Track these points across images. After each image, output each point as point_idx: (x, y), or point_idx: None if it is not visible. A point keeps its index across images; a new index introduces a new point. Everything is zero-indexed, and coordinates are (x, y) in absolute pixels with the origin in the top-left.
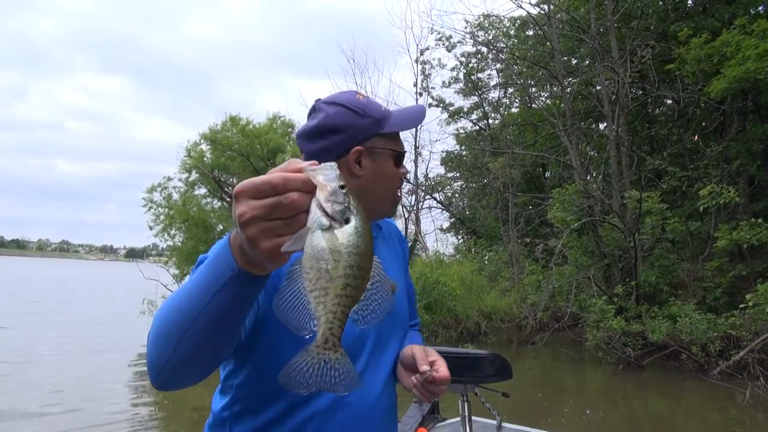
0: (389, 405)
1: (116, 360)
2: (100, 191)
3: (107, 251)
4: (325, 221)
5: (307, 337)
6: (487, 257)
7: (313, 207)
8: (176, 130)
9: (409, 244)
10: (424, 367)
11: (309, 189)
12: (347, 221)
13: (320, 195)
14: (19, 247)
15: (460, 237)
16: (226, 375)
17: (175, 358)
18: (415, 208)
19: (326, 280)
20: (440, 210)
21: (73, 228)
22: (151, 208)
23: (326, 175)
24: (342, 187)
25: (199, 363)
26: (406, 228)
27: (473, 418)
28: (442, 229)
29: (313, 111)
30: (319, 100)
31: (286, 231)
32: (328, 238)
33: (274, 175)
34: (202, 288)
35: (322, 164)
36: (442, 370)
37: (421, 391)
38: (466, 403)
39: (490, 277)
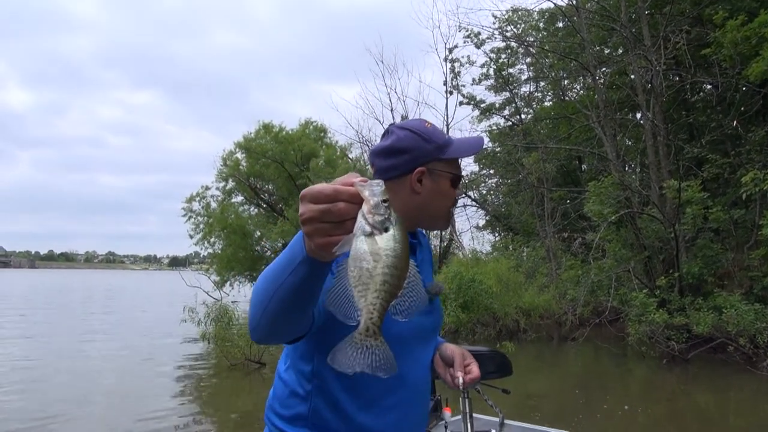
0: (429, 387)
1: (160, 366)
2: (141, 203)
3: (151, 261)
4: (368, 229)
5: (353, 324)
6: (525, 253)
7: (359, 216)
8: (211, 139)
9: (444, 244)
10: (459, 374)
11: (357, 201)
12: (386, 230)
13: (365, 207)
14: (67, 259)
15: (496, 234)
16: (310, 351)
17: (264, 321)
18: None
19: (367, 277)
20: (475, 208)
21: (118, 239)
22: (190, 217)
23: (371, 191)
24: (385, 201)
25: (282, 326)
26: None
27: (477, 415)
28: (477, 227)
29: (386, 134)
30: (392, 124)
31: (335, 232)
32: (369, 242)
33: (329, 185)
34: (281, 267)
35: (371, 181)
36: (474, 371)
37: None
38: (467, 400)
39: (528, 273)
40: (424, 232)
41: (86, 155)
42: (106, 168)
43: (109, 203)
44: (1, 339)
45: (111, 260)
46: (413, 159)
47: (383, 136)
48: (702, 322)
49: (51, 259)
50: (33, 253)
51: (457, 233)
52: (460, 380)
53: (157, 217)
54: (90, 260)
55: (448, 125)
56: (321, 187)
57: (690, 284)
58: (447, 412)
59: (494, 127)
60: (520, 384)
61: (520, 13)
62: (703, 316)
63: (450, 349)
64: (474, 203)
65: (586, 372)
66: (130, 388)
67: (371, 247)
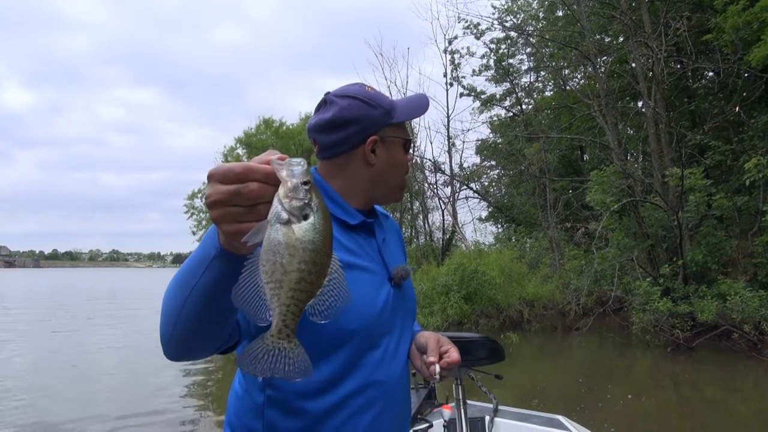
0: (407, 381)
1: (166, 362)
2: (144, 200)
3: (155, 258)
4: (284, 216)
5: (263, 325)
6: (527, 244)
7: (275, 201)
8: (212, 136)
9: (447, 236)
10: (432, 359)
11: (272, 181)
12: (306, 218)
13: (281, 190)
14: (72, 258)
15: (499, 226)
16: None
17: (178, 331)
18: (451, 199)
19: (281, 273)
20: (478, 200)
21: (122, 238)
22: (192, 214)
23: (290, 171)
24: (306, 183)
25: (200, 336)
26: (443, 219)
27: (471, 402)
28: (480, 219)
29: (324, 104)
30: (329, 93)
31: (246, 218)
32: (285, 232)
33: (239, 163)
34: (195, 265)
35: (290, 159)
36: (453, 356)
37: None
38: (460, 387)
39: (531, 264)
40: (387, 212)
41: (88, 154)
42: (108, 167)
43: (112, 202)
44: (6, 339)
45: (115, 258)
46: (363, 129)
47: (320, 107)
48: (706, 310)
49: (55, 259)
50: (37, 252)
51: (460, 225)
52: (437, 368)
53: (160, 215)
54: (94, 259)
55: (449, 117)
56: (231, 165)
57: (694, 272)
58: (446, 411)
59: (495, 118)
60: (524, 374)
61: (519, 2)
62: (707, 303)
63: (425, 336)
64: (476, 195)
65: (590, 361)
66: (136, 384)
67: (287, 238)
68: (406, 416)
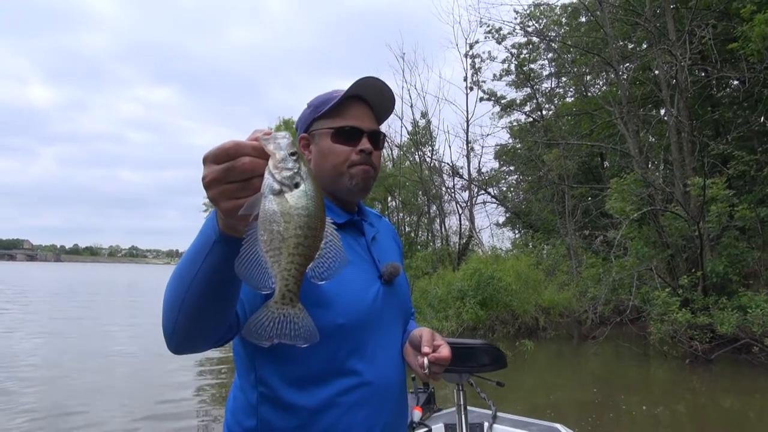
0: (401, 380)
1: (181, 359)
2: (162, 198)
3: (173, 255)
4: (276, 186)
5: (266, 293)
6: (545, 251)
7: (266, 174)
8: (229, 135)
9: (463, 241)
10: (426, 349)
11: (262, 155)
12: (297, 186)
13: (270, 162)
14: (92, 253)
15: (516, 231)
16: (249, 356)
17: (181, 322)
18: (468, 203)
19: (279, 240)
20: (495, 205)
21: (141, 234)
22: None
23: (276, 143)
24: (293, 153)
25: (202, 325)
26: (460, 224)
27: (470, 408)
28: (497, 224)
29: None
30: None
31: (242, 194)
32: (278, 201)
33: (228, 141)
34: (195, 253)
35: (275, 133)
36: (443, 352)
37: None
38: (461, 393)
39: (548, 271)
40: (379, 213)
41: (108, 151)
42: (127, 163)
43: (132, 198)
44: (23, 330)
45: (134, 254)
46: (301, 131)
47: None
48: (726, 322)
49: (76, 253)
50: (59, 247)
51: (477, 230)
52: (425, 361)
53: (178, 212)
54: (114, 254)
55: (468, 121)
56: (221, 144)
57: (714, 283)
58: (417, 412)
59: (515, 123)
60: (538, 382)
61: (542, 8)
62: (727, 315)
63: (420, 331)
64: (494, 200)
65: (605, 371)
66: (150, 382)
67: (281, 207)
68: (403, 417)
